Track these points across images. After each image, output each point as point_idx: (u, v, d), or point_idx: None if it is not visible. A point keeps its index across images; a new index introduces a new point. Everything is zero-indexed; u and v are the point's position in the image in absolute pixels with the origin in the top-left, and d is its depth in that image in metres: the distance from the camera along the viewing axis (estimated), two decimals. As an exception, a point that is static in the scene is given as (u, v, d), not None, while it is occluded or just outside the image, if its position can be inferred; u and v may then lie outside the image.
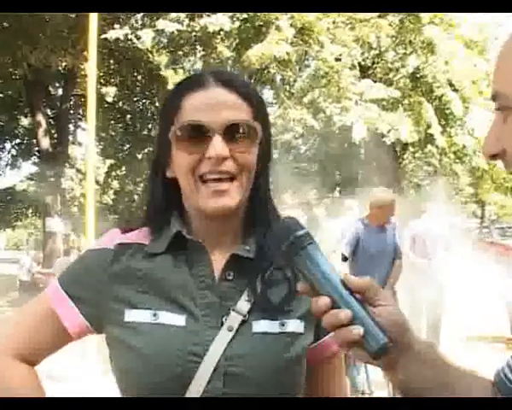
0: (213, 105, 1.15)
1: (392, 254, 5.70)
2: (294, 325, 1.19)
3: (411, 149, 15.14)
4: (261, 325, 1.16)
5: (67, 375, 6.11)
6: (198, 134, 1.15)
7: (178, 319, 1.15)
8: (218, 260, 1.19)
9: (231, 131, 1.15)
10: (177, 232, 1.19)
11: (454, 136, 13.59)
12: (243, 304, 1.16)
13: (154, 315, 1.15)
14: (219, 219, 1.18)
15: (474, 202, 26.86)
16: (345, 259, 5.46)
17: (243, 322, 1.15)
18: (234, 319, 1.15)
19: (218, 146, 1.13)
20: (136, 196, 21.58)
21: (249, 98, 1.19)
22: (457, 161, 14.56)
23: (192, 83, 1.20)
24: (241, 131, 1.16)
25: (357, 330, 0.89)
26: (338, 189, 18.95)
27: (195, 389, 1.11)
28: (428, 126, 12.91)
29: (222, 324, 1.15)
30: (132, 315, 1.16)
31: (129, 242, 1.23)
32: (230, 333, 1.14)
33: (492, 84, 0.89)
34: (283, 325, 1.17)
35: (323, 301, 0.91)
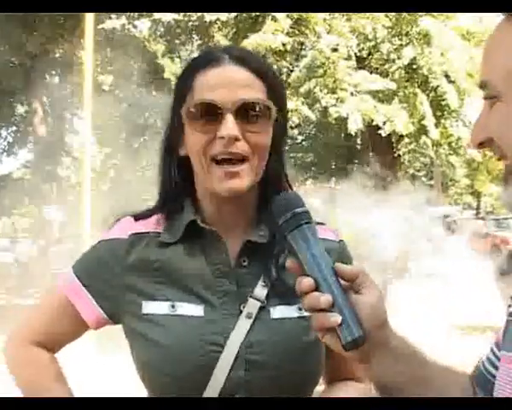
0: (227, 83, 1.12)
1: None
2: None
3: (406, 140, 15.14)
4: (279, 311, 1.15)
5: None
6: (211, 113, 1.12)
7: (196, 310, 1.13)
8: (233, 247, 1.17)
9: (244, 111, 1.12)
10: (191, 221, 1.15)
11: (449, 127, 13.58)
12: (260, 290, 1.15)
13: (173, 307, 1.13)
14: (232, 203, 1.16)
15: (470, 194, 26.89)
16: None
17: (261, 308, 1.13)
18: (252, 306, 1.13)
19: (229, 126, 1.10)
20: (133, 185, 21.55)
21: (264, 76, 1.16)
22: (452, 152, 14.57)
23: (205, 60, 1.17)
24: (254, 110, 1.12)
25: (334, 319, 0.88)
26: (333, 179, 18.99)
27: (218, 379, 1.09)
28: (423, 118, 12.91)
29: (240, 311, 1.13)
30: (150, 307, 1.14)
31: (143, 231, 1.19)
32: (249, 320, 1.12)
33: (480, 74, 0.89)
34: (301, 309, 1.14)
35: (307, 282, 0.90)
